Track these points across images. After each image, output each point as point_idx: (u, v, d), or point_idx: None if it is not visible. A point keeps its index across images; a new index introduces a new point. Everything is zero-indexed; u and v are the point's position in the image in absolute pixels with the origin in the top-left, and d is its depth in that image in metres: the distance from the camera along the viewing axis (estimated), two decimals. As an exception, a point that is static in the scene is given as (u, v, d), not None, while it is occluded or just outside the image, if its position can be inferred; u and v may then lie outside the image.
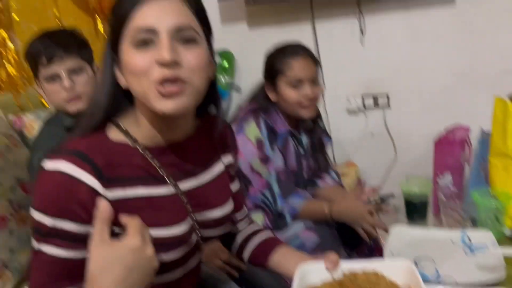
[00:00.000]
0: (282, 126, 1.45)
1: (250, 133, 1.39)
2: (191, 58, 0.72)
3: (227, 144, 0.95)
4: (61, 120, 1.26)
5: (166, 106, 0.71)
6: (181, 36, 0.72)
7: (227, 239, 1.04)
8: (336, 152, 2.36)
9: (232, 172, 0.98)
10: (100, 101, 0.77)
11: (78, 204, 0.70)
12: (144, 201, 0.76)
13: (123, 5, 0.73)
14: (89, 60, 1.27)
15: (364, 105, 2.28)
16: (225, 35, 2.40)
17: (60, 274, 0.73)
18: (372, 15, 2.15)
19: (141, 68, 0.71)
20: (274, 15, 2.31)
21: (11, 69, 1.66)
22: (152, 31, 0.70)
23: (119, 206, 0.73)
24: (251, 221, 1.08)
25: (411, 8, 2.09)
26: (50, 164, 0.71)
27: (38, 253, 0.72)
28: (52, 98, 1.23)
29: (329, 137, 1.65)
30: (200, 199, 0.85)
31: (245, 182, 1.43)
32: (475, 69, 2.06)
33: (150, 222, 0.75)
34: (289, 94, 1.39)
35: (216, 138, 0.91)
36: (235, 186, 1.00)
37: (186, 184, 0.83)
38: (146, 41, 0.71)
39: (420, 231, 1.16)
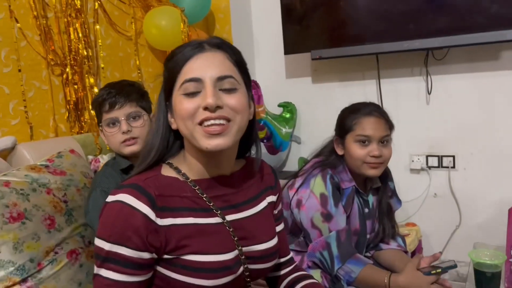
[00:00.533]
0: (348, 183, 1.44)
1: (315, 188, 1.39)
2: (232, 101, 0.82)
3: (271, 185, 1.03)
4: (118, 163, 1.38)
5: (210, 143, 0.81)
6: (223, 85, 0.82)
7: (272, 283, 1.07)
8: (397, 211, 2.28)
9: (276, 212, 1.04)
10: (154, 144, 0.88)
11: (133, 231, 0.78)
12: (193, 228, 0.83)
13: (175, 60, 0.84)
14: (146, 109, 1.41)
15: (427, 165, 2.22)
16: (289, 88, 2.49)
17: None
18: (440, 75, 2.14)
19: (189, 112, 0.81)
20: (339, 71, 2.37)
21: (93, 112, 1.80)
22: (199, 81, 0.81)
23: (170, 232, 0.81)
24: (298, 267, 1.11)
25: (481, 71, 2.06)
26: (112, 197, 0.80)
27: (97, 277, 0.80)
28: (110, 141, 1.37)
29: (399, 201, 1.61)
30: (246, 232, 0.91)
31: (304, 234, 1.42)
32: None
33: (199, 248, 0.82)
34: (356, 150, 1.39)
35: (260, 177, 1.00)
36: (280, 227, 1.05)
37: (232, 216, 0.90)
38: (194, 91, 0.81)
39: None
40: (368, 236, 1.51)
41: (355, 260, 1.37)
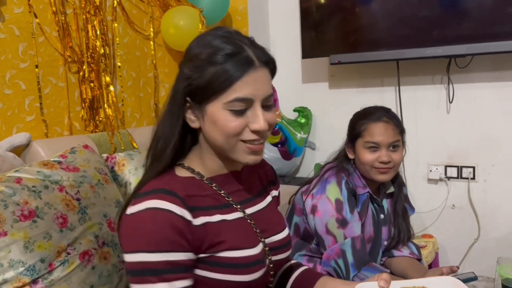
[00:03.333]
0: (362, 189, 1.42)
1: (331, 193, 1.37)
2: (270, 117, 0.83)
3: (272, 179, 1.06)
4: None
5: (251, 159, 0.83)
6: (265, 103, 0.83)
7: None
8: (413, 222, 2.21)
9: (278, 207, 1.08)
10: (169, 142, 0.84)
11: (177, 233, 0.75)
12: (222, 225, 0.83)
13: (223, 72, 0.78)
14: None
15: (446, 175, 2.16)
16: (306, 93, 2.45)
17: None
18: (462, 83, 2.08)
19: (236, 131, 0.80)
20: (357, 77, 2.32)
21: (109, 111, 1.77)
22: (249, 101, 0.80)
23: (205, 230, 0.79)
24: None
25: (505, 80, 2.01)
26: (137, 207, 0.76)
27: None
28: None
29: (412, 208, 1.57)
30: (264, 224, 0.91)
31: (318, 241, 1.39)
32: None
33: (232, 244, 0.81)
34: (365, 156, 1.38)
35: (263, 172, 1.03)
36: None
37: (249, 210, 0.90)
38: (242, 109, 0.80)
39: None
40: (385, 243, 1.48)
41: (371, 268, 1.34)
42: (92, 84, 1.75)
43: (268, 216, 0.95)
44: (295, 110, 2.42)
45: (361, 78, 2.32)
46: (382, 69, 2.23)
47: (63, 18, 1.65)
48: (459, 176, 2.15)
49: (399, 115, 2.18)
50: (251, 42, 0.84)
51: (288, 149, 2.29)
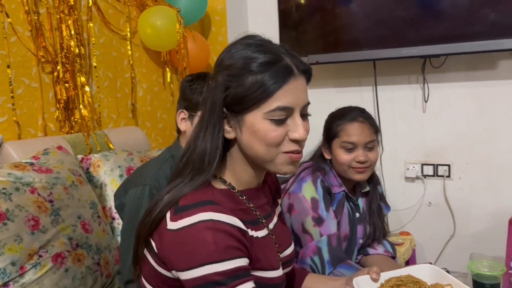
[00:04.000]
0: (338, 188, 1.44)
1: (307, 192, 1.38)
2: (307, 127, 0.83)
3: (277, 188, 1.05)
4: (170, 165, 1.27)
5: (290, 169, 0.82)
6: (304, 111, 0.83)
7: None
8: (391, 220, 2.26)
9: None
10: (213, 156, 0.81)
11: (238, 241, 0.75)
12: (256, 242, 0.82)
13: (264, 81, 0.77)
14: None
15: (423, 174, 2.20)
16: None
17: None
18: (437, 83, 2.12)
19: (276, 141, 0.79)
20: (335, 77, 2.34)
21: (84, 112, 1.75)
22: (290, 109, 0.80)
23: (251, 244, 0.79)
24: None
25: (478, 80, 2.05)
26: (188, 220, 0.74)
27: None
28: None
29: (388, 206, 1.59)
30: (279, 238, 0.91)
31: (295, 239, 1.40)
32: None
33: (265, 264, 0.81)
34: (341, 156, 1.40)
35: (271, 183, 1.01)
36: None
37: (270, 225, 0.90)
38: (283, 118, 0.79)
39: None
40: (361, 241, 1.50)
41: (347, 266, 1.35)
42: (67, 85, 1.72)
43: (281, 229, 0.95)
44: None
45: (340, 78, 2.34)
46: (359, 69, 2.26)
47: (36, 17, 1.62)
48: (435, 174, 2.18)
49: (376, 115, 2.21)
50: (287, 51, 0.83)
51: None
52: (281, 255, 0.90)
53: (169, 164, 1.27)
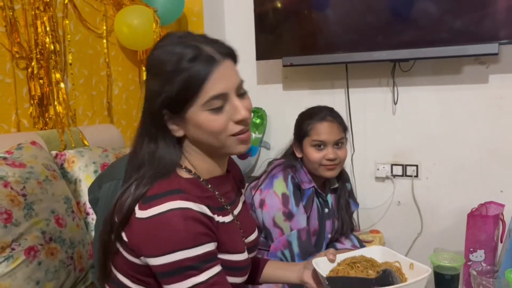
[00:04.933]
0: (308, 184, 1.49)
1: (278, 188, 1.43)
2: (248, 105, 0.85)
3: (241, 179, 1.08)
4: None
5: (243, 148, 0.85)
6: (239, 91, 0.84)
7: None
8: (362, 218, 2.33)
9: None
10: (162, 155, 0.84)
11: (206, 227, 0.78)
12: (222, 227, 0.84)
13: (191, 76, 0.79)
14: None
15: (392, 173, 2.28)
16: (260, 94, 2.50)
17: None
18: (406, 86, 2.20)
19: (221, 128, 0.82)
20: (309, 79, 2.40)
21: (59, 108, 1.75)
22: (224, 95, 0.81)
23: (217, 229, 0.82)
24: None
25: (444, 84, 2.14)
26: (157, 209, 0.76)
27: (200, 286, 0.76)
28: None
29: (356, 203, 1.65)
30: (243, 225, 0.94)
31: (266, 234, 1.44)
32: (509, 148, 2.05)
33: (231, 248, 0.84)
34: (312, 154, 1.45)
35: (235, 173, 1.04)
36: None
37: (235, 212, 0.93)
38: (220, 106, 0.81)
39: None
40: (329, 235, 1.55)
41: None
42: (41, 81, 1.72)
43: (245, 216, 0.98)
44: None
45: (313, 80, 2.40)
46: (332, 72, 2.32)
47: (11, 13, 1.62)
48: (404, 174, 2.26)
49: (348, 117, 2.28)
50: (206, 39, 0.84)
51: (242, 149, 2.34)
52: (246, 240, 0.94)
53: None
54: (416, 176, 2.23)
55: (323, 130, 1.45)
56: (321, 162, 1.45)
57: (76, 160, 1.54)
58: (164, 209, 0.75)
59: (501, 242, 1.41)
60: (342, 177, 1.58)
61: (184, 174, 0.87)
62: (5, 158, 1.31)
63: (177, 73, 0.79)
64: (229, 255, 0.84)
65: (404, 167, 2.26)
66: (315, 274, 0.99)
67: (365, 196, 2.31)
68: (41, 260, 1.24)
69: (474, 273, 1.23)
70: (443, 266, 1.27)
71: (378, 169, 2.30)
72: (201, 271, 0.76)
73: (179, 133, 0.85)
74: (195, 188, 0.84)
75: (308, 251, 1.40)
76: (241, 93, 0.85)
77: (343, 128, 1.50)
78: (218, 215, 0.85)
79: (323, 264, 0.99)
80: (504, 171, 2.05)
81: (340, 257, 1.02)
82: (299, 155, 1.51)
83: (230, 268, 0.83)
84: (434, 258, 1.30)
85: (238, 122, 0.82)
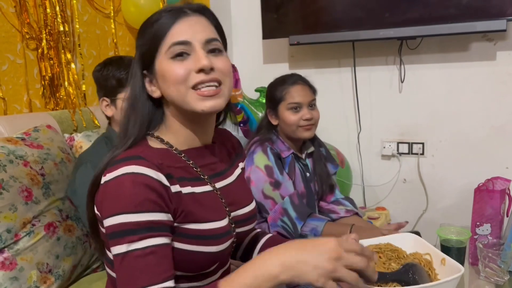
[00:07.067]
0: (287, 151, 1.56)
1: (259, 162, 1.49)
2: (221, 63, 0.84)
3: (239, 152, 1.06)
4: (111, 139, 1.35)
5: (205, 105, 0.82)
6: (210, 47, 0.83)
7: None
8: (368, 196, 2.37)
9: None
10: (136, 117, 0.85)
11: (157, 195, 0.75)
12: (192, 197, 0.83)
13: (157, 26, 0.82)
14: None
15: (398, 151, 2.30)
16: (267, 73, 2.48)
17: (168, 263, 0.76)
18: (412, 64, 2.21)
19: (180, 76, 0.81)
20: (315, 58, 2.40)
21: (70, 89, 1.77)
22: (187, 44, 0.81)
23: (177, 199, 0.80)
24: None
25: (451, 61, 2.14)
26: (115, 172, 0.75)
27: (131, 254, 0.73)
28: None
29: (336, 165, 1.72)
30: (231, 197, 0.93)
31: (259, 208, 1.48)
32: (515, 124, 2.06)
33: (200, 217, 0.82)
34: (289, 117, 1.52)
35: (230, 146, 1.03)
36: None
37: (219, 184, 0.91)
38: (182, 53, 0.81)
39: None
40: (316, 197, 1.62)
41: (315, 218, 1.47)
42: (51, 62, 1.73)
43: (237, 190, 0.96)
44: (256, 90, 2.48)
45: (319, 59, 2.40)
46: (338, 50, 2.32)
47: (20, -7, 1.62)
48: (410, 152, 2.28)
49: (354, 95, 2.30)
50: (187, 2, 0.87)
51: (250, 128, 2.35)
52: (236, 213, 0.93)
53: (103, 142, 1.38)
54: (422, 153, 2.26)
55: (297, 92, 1.53)
56: (298, 124, 1.51)
57: (84, 145, 1.56)
58: (118, 173, 0.75)
59: (507, 216, 1.43)
60: (316, 141, 1.66)
61: (154, 144, 0.85)
62: (23, 139, 1.34)
63: (148, 26, 0.84)
64: (197, 225, 0.82)
65: (410, 145, 2.28)
66: None
67: (371, 174, 2.34)
68: (60, 235, 1.28)
69: (481, 246, 1.27)
70: (450, 239, 1.30)
71: (384, 147, 2.32)
72: (140, 238, 0.73)
73: (157, 93, 0.85)
74: (164, 157, 0.82)
75: (304, 212, 1.45)
76: (213, 50, 0.84)
77: (313, 90, 1.58)
78: (188, 186, 0.83)
79: None
80: (510, 148, 2.07)
81: (364, 243, 0.90)
82: (274, 122, 1.57)
83: (200, 237, 0.82)
84: (441, 232, 1.33)
85: (199, 71, 0.81)
